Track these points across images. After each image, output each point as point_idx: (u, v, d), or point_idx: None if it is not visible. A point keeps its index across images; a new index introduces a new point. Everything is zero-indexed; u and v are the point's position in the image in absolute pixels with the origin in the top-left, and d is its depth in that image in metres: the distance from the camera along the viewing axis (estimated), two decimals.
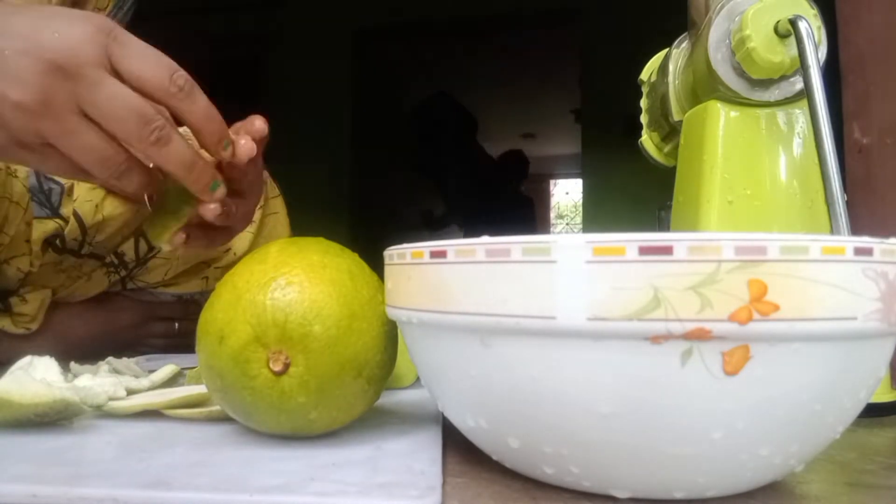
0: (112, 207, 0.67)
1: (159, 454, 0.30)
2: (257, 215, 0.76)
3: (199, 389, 0.37)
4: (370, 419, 0.37)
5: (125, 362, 0.46)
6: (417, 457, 0.30)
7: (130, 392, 0.39)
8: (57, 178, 0.65)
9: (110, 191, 0.66)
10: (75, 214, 0.65)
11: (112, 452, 0.31)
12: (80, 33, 0.35)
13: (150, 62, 0.36)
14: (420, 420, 0.37)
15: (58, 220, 0.64)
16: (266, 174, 0.79)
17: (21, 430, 0.33)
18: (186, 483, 0.26)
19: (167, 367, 0.44)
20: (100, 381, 0.38)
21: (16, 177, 0.60)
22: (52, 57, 0.35)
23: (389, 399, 0.43)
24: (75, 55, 0.35)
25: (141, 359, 0.60)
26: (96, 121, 0.36)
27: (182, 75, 0.36)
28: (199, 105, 0.37)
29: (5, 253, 0.62)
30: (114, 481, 0.26)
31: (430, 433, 0.34)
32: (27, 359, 0.38)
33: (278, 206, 0.80)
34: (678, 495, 0.25)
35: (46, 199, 0.64)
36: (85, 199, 0.66)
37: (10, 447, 0.31)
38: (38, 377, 0.34)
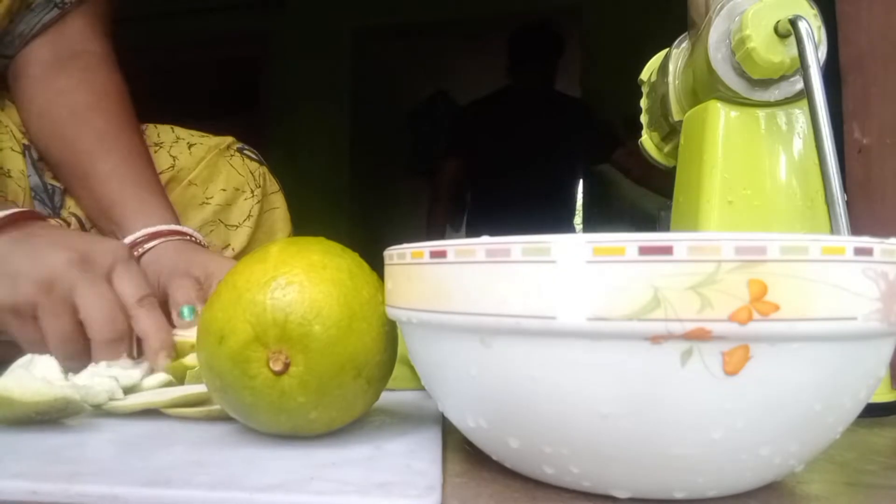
0: None
1: (159, 453, 0.30)
2: (255, 210, 0.76)
3: (199, 389, 0.37)
4: (370, 419, 0.37)
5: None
6: (417, 457, 0.30)
7: (126, 389, 0.39)
8: (55, 184, 0.65)
9: None
10: (76, 216, 0.65)
11: (112, 450, 0.31)
12: (104, 247, 0.48)
13: (134, 284, 0.47)
14: (420, 420, 0.37)
15: (59, 221, 0.64)
16: (265, 170, 0.79)
17: (21, 427, 0.33)
18: (186, 481, 0.26)
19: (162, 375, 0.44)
20: (100, 381, 0.38)
21: (9, 177, 0.60)
22: (75, 254, 0.46)
23: (389, 399, 0.43)
24: (92, 257, 0.47)
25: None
26: (78, 306, 0.45)
27: (149, 300, 0.48)
28: (153, 319, 0.47)
29: None
30: (114, 479, 0.26)
31: (430, 433, 0.34)
32: (27, 357, 0.38)
33: (278, 201, 0.80)
34: (678, 495, 0.25)
35: (49, 199, 0.64)
36: None
37: (11, 445, 0.31)
38: (38, 375, 0.34)
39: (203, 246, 0.62)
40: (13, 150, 0.62)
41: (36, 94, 0.65)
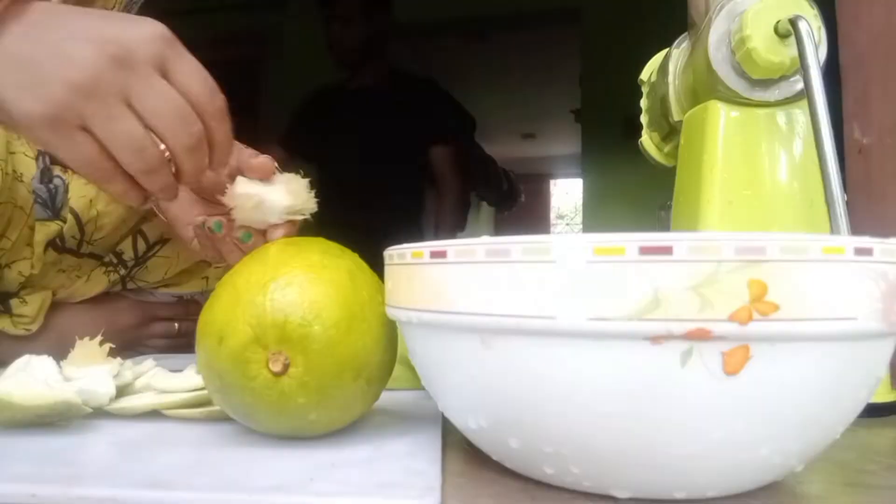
0: (104, 203, 0.66)
1: (159, 454, 0.30)
2: None
3: (200, 392, 0.37)
4: (370, 419, 0.37)
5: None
6: (417, 457, 0.30)
7: (119, 390, 0.39)
8: (61, 175, 0.65)
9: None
10: (72, 211, 0.65)
11: (112, 452, 0.31)
12: (143, 32, 0.38)
13: (198, 77, 0.39)
14: (420, 420, 0.37)
15: (59, 222, 0.64)
16: None
17: (21, 430, 0.33)
18: (186, 483, 0.26)
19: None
20: (100, 383, 0.38)
21: (21, 181, 0.60)
22: (113, 47, 0.36)
23: (389, 399, 0.43)
24: (135, 49, 0.37)
25: (142, 359, 0.60)
26: (140, 114, 0.37)
27: (222, 98, 0.39)
28: (226, 129, 0.40)
29: (7, 257, 0.62)
30: (114, 481, 0.26)
31: (430, 433, 0.34)
32: (25, 358, 0.38)
33: None
34: (678, 495, 0.25)
35: (50, 201, 0.64)
36: (79, 195, 0.65)
37: (10, 447, 0.31)
38: (38, 378, 0.34)
39: None
40: (26, 155, 0.62)
41: None
